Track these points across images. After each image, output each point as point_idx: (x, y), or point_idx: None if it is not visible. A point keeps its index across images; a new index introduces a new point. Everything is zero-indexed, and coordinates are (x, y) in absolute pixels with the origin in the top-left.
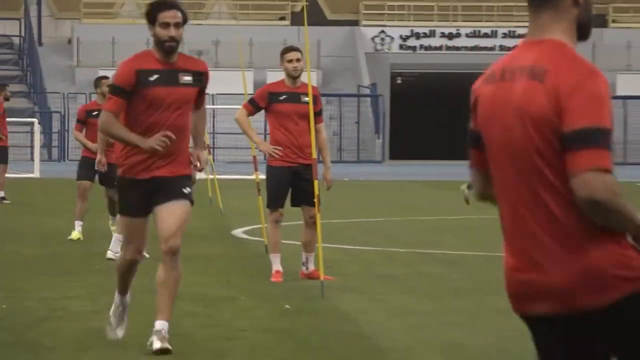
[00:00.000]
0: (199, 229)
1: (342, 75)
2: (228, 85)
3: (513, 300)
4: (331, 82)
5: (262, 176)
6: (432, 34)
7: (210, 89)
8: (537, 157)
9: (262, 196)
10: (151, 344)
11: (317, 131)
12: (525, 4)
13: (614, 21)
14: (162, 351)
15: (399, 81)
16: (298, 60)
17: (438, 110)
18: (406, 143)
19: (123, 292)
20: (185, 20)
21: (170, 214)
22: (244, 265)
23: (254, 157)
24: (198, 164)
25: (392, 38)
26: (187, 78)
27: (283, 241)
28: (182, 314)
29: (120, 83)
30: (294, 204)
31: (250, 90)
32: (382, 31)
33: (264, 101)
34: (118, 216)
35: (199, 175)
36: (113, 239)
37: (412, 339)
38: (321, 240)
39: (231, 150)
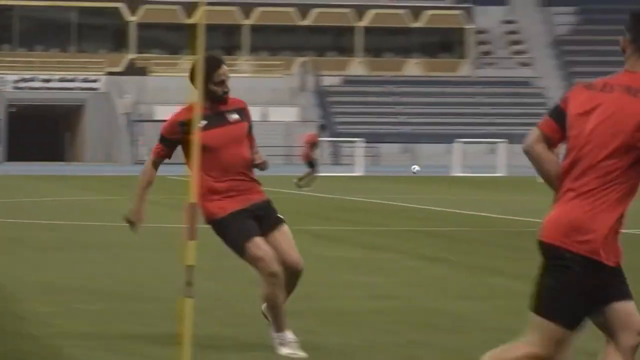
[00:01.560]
0: None
1: None
2: None
3: None
4: None
5: None
6: (33, 79)
7: None
8: (616, 145)
9: None
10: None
11: None
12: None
13: (152, 71)
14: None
15: (13, 109)
16: None
17: (40, 128)
18: (20, 150)
19: (281, 326)
20: None
21: (285, 241)
22: None
23: None
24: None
25: (8, 81)
26: (235, 116)
27: None
28: None
29: (166, 134)
30: None
31: None
32: (1, 77)
33: None
34: None
35: None
36: None
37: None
38: None
39: None
